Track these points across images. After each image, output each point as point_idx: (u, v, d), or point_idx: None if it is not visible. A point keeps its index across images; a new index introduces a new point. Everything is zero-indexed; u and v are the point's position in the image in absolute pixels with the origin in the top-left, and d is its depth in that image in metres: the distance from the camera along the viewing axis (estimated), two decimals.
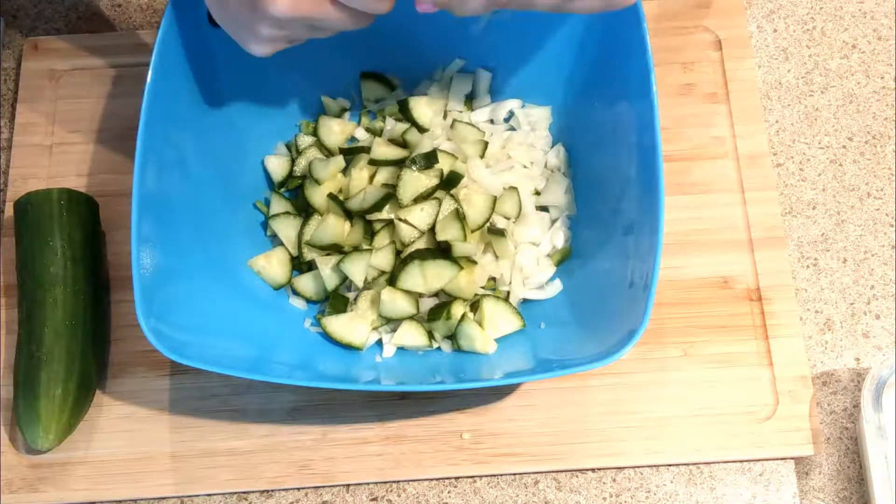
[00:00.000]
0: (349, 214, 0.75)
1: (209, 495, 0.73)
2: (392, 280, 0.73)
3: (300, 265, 0.77)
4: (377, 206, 0.74)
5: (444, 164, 0.75)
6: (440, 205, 0.74)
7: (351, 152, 0.78)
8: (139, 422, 0.75)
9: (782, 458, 0.73)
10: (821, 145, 0.83)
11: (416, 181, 0.74)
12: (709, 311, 0.77)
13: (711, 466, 0.73)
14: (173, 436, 0.74)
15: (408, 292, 0.73)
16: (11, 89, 0.87)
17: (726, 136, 0.82)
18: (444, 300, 0.74)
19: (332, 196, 0.76)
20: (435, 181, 0.74)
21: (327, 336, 0.74)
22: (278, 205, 0.78)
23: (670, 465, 0.73)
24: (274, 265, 0.77)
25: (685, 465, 0.73)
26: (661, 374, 0.75)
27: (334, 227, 0.75)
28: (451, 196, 0.74)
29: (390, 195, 0.74)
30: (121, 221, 0.80)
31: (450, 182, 0.75)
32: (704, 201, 0.80)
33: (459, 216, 0.73)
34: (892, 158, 0.82)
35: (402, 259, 0.73)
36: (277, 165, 0.80)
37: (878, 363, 0.70)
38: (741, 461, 0.73)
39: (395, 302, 0.73)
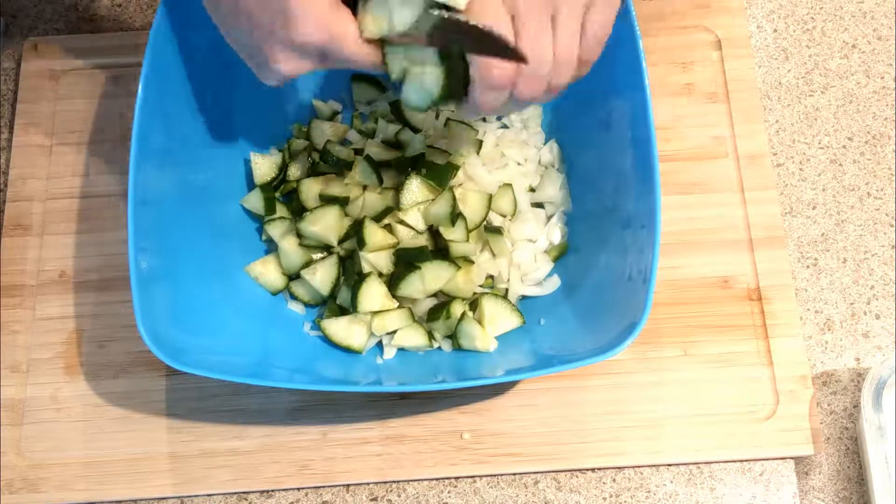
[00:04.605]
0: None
1: (209, 495, 0.73)
2: (391, 286, 0.73)
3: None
4: (378, 218, 0.74)
5: (440, 161, 0.75)
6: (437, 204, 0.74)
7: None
8: (139, 422, 0.75)
9: (782, 458, 0.73)
10: (821, 145, 0.83)
11: (420, 191, 0.74)
12: (709, 310, 0.76)
13: (711, 466, 0.73)
14: (173, 436, 0.74)
15: (400, 307, 0.73)
16: (11, 89, 0.87)
17: (726, 135, 0.82)
18: (443, 300, 0.74)
19: (327, 197, 0.76)
20: (436, 194, 0.74)
21: (327, 339, 0.74)
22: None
23: (670, 465, 0.73)
24: (271, 270, 0.76)
25: (685, 465, 0.73)
26: (660, 373, 0.75)
27: (325, 221, 0.75)
28: (451, 193, 0.74)
29: (390, 208, 0.74)
30: (121, 222, 0.80)
31: (435, 170, 0.75)
32: (704, 201, 0.80)
33: (460, 216, 0.73)
34: (892, 158, 0.82)
35: (404, 265, 0.73)
36: (263, 165, 0.79)
37: (878, 363, 0.70)
38: (741, 461, 0.73)
39: (385, 320, 0.73)
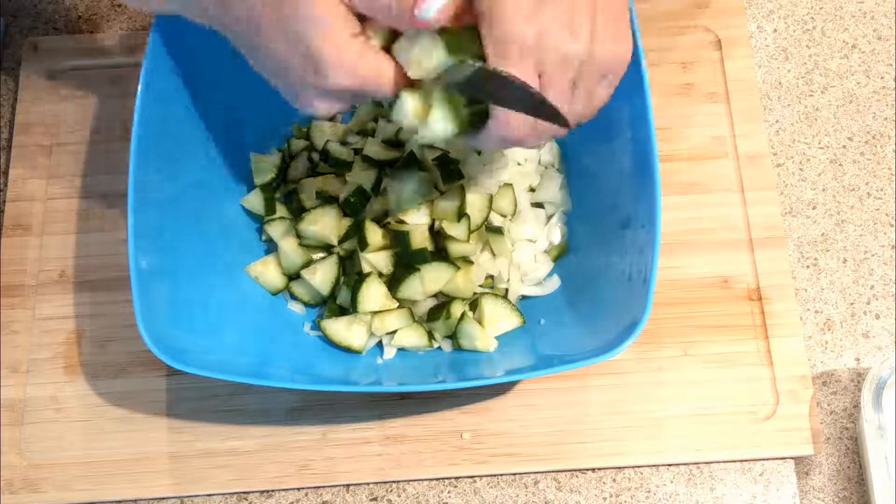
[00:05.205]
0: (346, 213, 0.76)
1: (209, 495, 0.73)
2: (391, 287, 0.73)
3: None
4: (378, 218, 0.74)
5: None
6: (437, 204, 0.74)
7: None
8: (139, 422, 0.75)
9: (782, 458, 0.73)
10: (821, 145, 0.83)
11: (420, 191, 0.74)
12: (709, 310, 0.76)
13: (711, 466, 0.73)
14: (173, 436, 0.74)
15: (400, 307, 0.73)
16: (11, 89, 0.87)
17: (726, 135, 0.82)
18: (444, 300, 0.74)
19: (325, 195, 0.76)
20: (439, 193, 0.74)
21: (327, 339, 0.74)
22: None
23: (670, 465, 0.73)
24: (270, 271, 0.76)
25: (685, 465, 0.73)
26: (660, 373, 0.75)
27: (325, 221, 0.75)
28: (462, 189, 0.74)
29: (390, 210, 0.74)
30: (121, 222, 0.80)
31: (445, 165, 0.74)
32: (704, 201, 0.80)
33: (466, 215, 0.73)
34: (892, 158, 0.82)
35: (403, 267, 0.73)
36: (263, 165, 0.79)
37: (878, 363, 0.70)
38: (741, 461, 0.73)
39: (385, 320, 0.73)
